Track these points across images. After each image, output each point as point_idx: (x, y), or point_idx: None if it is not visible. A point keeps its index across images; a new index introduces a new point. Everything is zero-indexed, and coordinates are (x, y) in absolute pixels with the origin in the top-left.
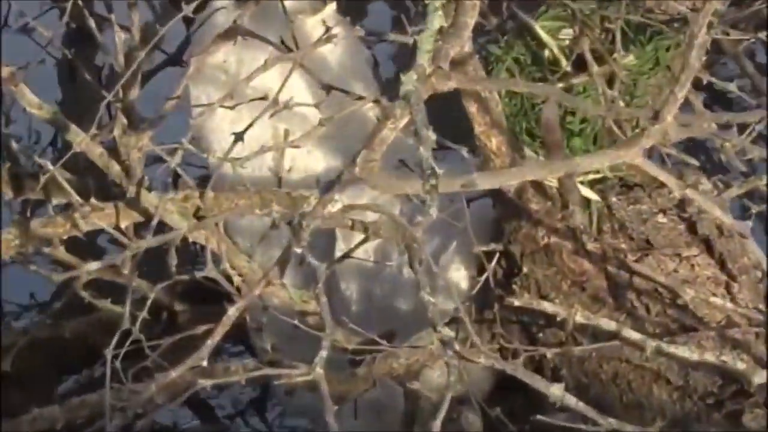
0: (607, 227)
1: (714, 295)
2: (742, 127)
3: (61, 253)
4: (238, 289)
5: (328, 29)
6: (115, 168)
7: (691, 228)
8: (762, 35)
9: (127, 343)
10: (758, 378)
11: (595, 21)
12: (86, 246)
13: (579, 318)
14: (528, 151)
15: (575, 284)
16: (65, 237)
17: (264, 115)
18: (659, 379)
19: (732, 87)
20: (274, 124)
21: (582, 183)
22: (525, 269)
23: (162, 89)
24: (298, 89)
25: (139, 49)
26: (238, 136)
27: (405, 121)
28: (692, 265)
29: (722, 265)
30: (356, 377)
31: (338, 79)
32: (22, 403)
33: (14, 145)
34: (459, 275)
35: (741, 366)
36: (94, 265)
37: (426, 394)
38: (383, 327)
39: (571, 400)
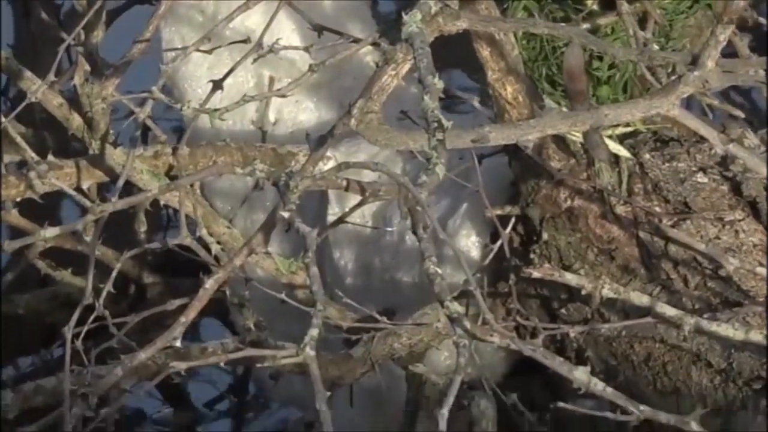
0: (639, 188)
1: (761, 264)
2: None
3: (14, 217)
4: (217, 259)
5: None
6: (76, 121)
7: (735, 189)
8: None
9: (90, 321)
10: None
11: None
12: (43, 210)
13: (606, 291)
14: (548, 101)
15: (602, 253)
16: (18, 199)
17: (246, 60)
18: (699, 361)
19: None
20: (258, 70)
21: (610, 137)
22: (545, 236)
23: (129, 31)
24: (285, 31)
25: None
26: (217, 84)
27: (407, 66)
28: (736, 231)
29: None
30: (352, 359)
31: (331, 18)
32: None
33: None
34: (469, 243)
35: None
36: (51, 232)
37: (432, 378)
38: (383, 302)
39: (598, 386)
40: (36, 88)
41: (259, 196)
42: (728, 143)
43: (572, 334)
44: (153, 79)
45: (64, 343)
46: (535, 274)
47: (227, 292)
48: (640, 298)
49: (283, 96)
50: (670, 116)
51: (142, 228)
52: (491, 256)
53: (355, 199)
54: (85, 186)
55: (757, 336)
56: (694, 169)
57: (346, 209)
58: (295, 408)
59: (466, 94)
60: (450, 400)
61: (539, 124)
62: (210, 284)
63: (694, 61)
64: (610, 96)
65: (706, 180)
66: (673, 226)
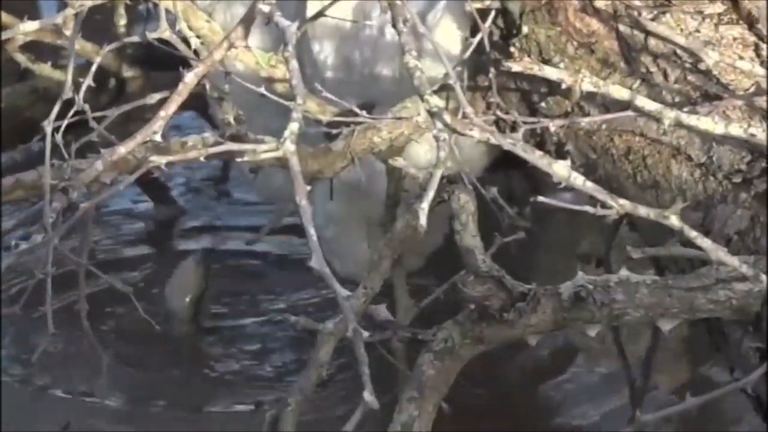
0: None
1: (741, 58)
2: None
3: None
4: (196, 53)
5: None
6: None
7: None
8: None
9: (70, 114)
10: None
11: None
12: (23, 5)
13: (586, 85)
14: None
15: (582, 46)
16: None
17: None
18: (678, 155)
19: None
20: None
21: None
22: (525, 29)
23: None
24: None
25: None
26: None
27: None
28: (716, 24)
29: (750, 24)
30: (332, 153)
31: None
32: None
33: None
34: (449, 36)
35: None
36: (31, 25)
37: (412, 172)
38: (363, 96)
39: (578, 180)
40: None
41: None
42: None
43: (552, 128)
44: None
45: (44, 137)
46: (515, 68)
47: (207, 86)
48: (619, 92)
49: None
50: None
51: (122, 21)
52: (471, 49)
53: None
54: None
55: (736, 129)
56: None
57: (326, 3)
58: (276, 202)
59: None
60: (430, 194)
61: None
62: (190, 78)
63: None
64: None
65: None
66: (653, 20)
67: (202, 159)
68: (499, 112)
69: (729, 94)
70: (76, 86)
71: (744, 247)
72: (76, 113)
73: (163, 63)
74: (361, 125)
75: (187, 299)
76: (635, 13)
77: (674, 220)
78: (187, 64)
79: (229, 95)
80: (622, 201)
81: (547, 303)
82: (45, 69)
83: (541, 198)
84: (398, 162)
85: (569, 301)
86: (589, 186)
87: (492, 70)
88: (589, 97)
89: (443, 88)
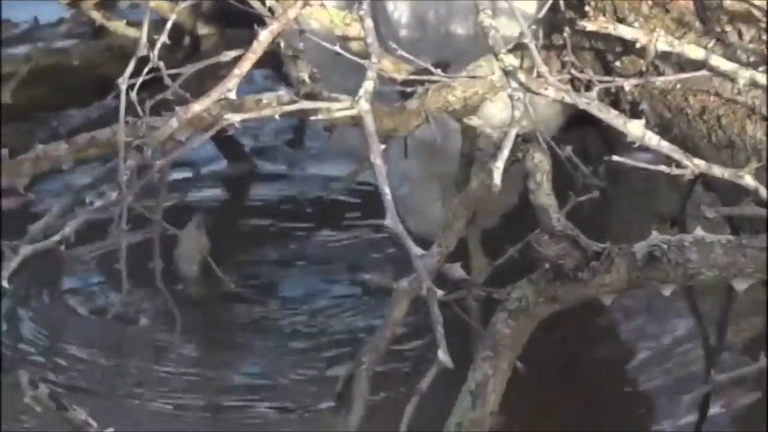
0: None
1: None
2: None
3: None
4: (271, 11)
5: None
6: None
7: None
8: None
9: (144, 72)
10: None
11: None
12: None
13: (661, 44)
14: None
15: (657, 5)
16: None
17: None
18: (753, 115)
19: None
20: None
21: None
22: None
23: None
24: None
25: None
26: None
27: None
28: None
29: None
30: (406, 112)
31: None
32: (24, 140)
33: None
34: None
35: None
36: None
37: (486, 131)
38: (437, 55)
39: (653, 139)
40: None
41: None
42: None
43: (627, 87)
44: None
45: (119, 95)
46: (590, 27)
47: (281, 44)
48: (695, 51)
49: None
50: None
51: None
52: (546, 8)
53: None
54: None
55: None
56: None
57: None
58: (350, 161)
59: None
60: (504, 153)
61: None
62: (264, 36)
63: None
64: None
65: None
66: None
67: (276, 117)
68: (573, 71)
69: None
70: (151, 43)
71: None
72: (151, 71)
73: (238, 20)
74: (435, 84)
75: (195, 265)
76: None
77: (749, 180)
78: (261, 22)
79: (304, 53)
80: (696, 161)
81: (621, 262)
82: (119, 26)
83: (615, 157)
84: (473, 121)
85: (643, 261)
86: (664, 145)
87: (567, 29)
88: (664, 56)
89: (518, 47)
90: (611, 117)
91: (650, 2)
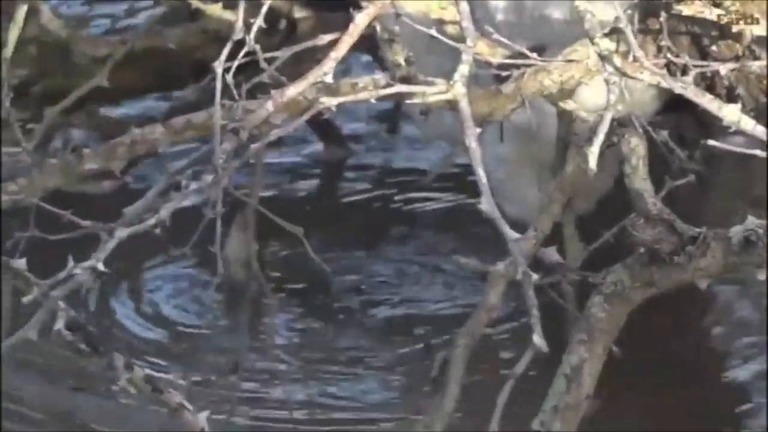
0: None
1: None
2: None
3: None
4: None
5: None
6: None
7: None
8: None
9: (240, 55)
10: None
11: None
12: None
13: (757, 29)
14: None
15: None
16: None
17: None
18: None
19: None
20: None
21: None
22: None
23: None
24: None
25: None
26: None
27: None
28: None
29: None
30: (502, 95)
31: None
32: (119, 123)
33: None
34: None
35: None
36: None
37: (582, 115)
38: (533, 39)
39: (748, 123)
40: None
41: None
42: None
43: (723, 72)
44: None
45: (215, 78)
46: (686, 11)
47: (377, 28)
48: None
49: None
50: None
51: None
52: None
53: None
54: None
55: None
56: None
57: None
58: (445, 144)
59: None
60: (600, 137)
61: None
62: (360, 19)
63: None
64: None
65: None
66: None
67: (372, 100)
68: (669, 56)
69: None
70: (247, 27)
71: None
72: (247, 54)
73: (334, 4)
74: (531, 68)
75: (241, 268)
76: None
77: None
78: (358, 6)
79: (400, 37)
80: None
81: (717, 247)
82: (215, 9)
83: (711, 141)
84: (568, 105)
85: (739, 245)
86: (760, 130)
87: (663, 13)
88: (760, 41)
89: (614, 32)
90: (707, 101)
91: None
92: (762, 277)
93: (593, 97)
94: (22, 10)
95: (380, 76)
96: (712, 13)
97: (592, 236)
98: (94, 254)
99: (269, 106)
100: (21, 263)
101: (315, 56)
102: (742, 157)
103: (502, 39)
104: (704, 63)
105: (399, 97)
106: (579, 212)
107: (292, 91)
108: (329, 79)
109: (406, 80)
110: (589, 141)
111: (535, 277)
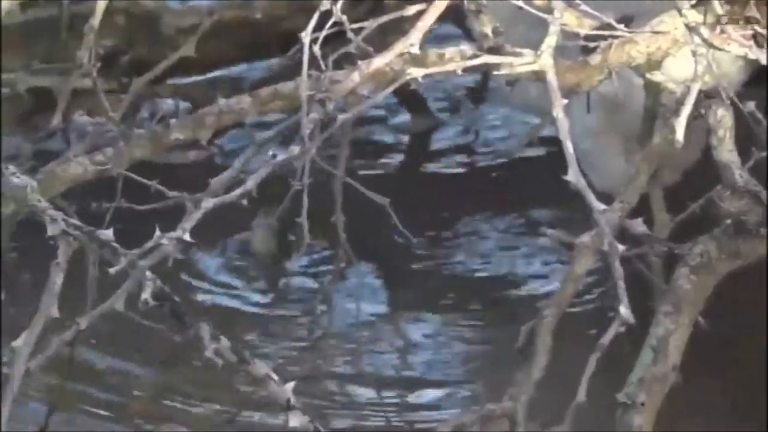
0: None
1: None
2: None
3: None
4: None
5: None
6: None
7: None
8: None
9: (327, 26)
10: None
11: None
12: None
13: None
14: None
15: None
16: None
17: None
18: None
19: None
20: None
21: None
22: None
23: None
24: None
25: None
26: None
27: None
28: None
29: None
30: (589, 66)
31: None
32: (207, 94)
33: None
34: None
35: None
36: None
37: (669, 86)
38: (621, 10)
39: None
40: None
41: None
42: None
43: None
44: None
45: (302, 49)
46: None
47: None
48: None
49: None
50: None
51: None
52: None
53: None
54: None
55: None
56: None
57: None
58: (532, 114)
59: None
60: (687, 108)
61: None
62: None
63: None
64: None
65: None
66: None
67: (459, 71)
68: (757, 28)
69: None
70: None
71: None
72: (334, 24)
73: None
74: (618, 39)
75: (268, 258)
76: None
77: None
78: None
79: (487, 7)
80: None
81: None
82: None
83: None
84: (656, 76)
85: None
86: None
87: None
88: None
89: (701, 3)
90: None
91: None
92: None
93: (680, 69)
94: None
95: (467, 47)
96: None
97: (678, 207)
98: (180, 224)
99: (356, 77)
100: (108, 234)
101: (402, 27)
102: None
103: (590, 10)
104: None
105: (486, 68)
106: (666, 183)
107: (379, 61)
108: (416, 49)
109: (493, 51)
110: (676, 112)
111: (621, 248)
